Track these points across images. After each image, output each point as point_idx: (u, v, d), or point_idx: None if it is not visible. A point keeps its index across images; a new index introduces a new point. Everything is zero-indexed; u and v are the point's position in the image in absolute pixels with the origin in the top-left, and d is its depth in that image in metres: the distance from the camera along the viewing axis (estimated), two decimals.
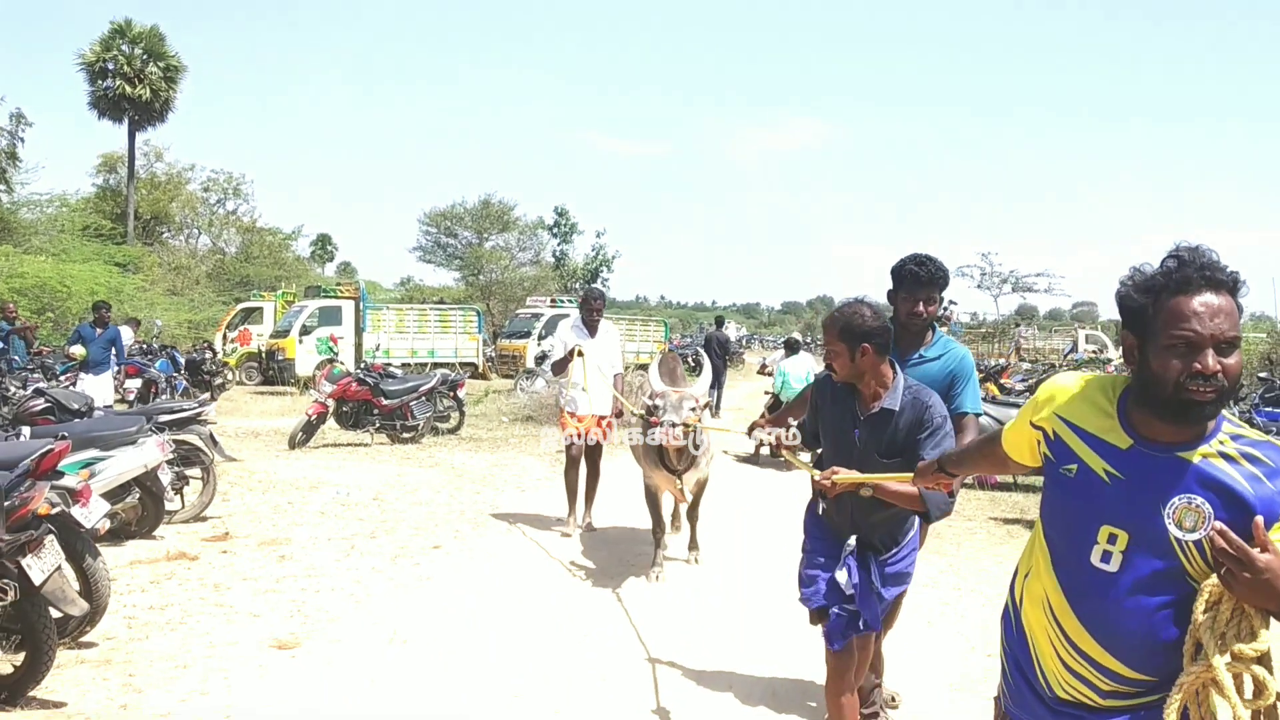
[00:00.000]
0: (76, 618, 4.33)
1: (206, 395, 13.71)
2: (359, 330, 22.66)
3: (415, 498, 9.53)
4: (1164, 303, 2.00)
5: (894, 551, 3.60)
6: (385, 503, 9.20)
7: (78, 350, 12.31)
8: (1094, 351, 33.59)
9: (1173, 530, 1.99)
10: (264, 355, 22.93)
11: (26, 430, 5.92)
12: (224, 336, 24.25)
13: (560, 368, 8.12)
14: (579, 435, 7.87)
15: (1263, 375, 12.89)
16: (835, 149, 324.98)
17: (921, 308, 4.08)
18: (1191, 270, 1.98)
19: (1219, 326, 1.96)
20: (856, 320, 3.35)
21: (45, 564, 3.92)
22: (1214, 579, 1.95)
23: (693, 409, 6.18)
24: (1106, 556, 2.07)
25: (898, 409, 3.37)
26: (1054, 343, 38.28)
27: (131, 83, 33.27)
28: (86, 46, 33.29)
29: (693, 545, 7.30)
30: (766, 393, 15.42)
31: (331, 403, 13.21)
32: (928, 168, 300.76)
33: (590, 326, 8.10)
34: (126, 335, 16.07)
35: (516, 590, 6.37)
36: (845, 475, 3.26)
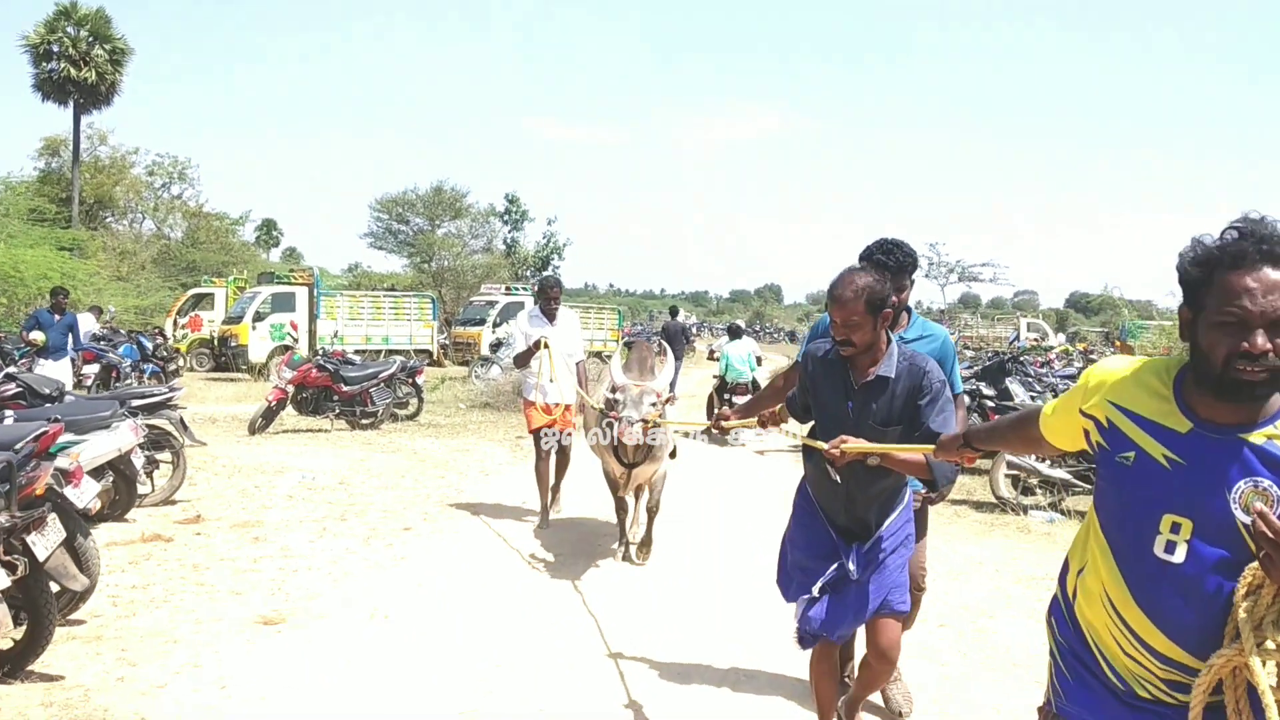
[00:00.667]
0: (72, 593, 4.47)
1: (177, 380, 13.66)
2: (313, 317, 22.61)
3: (380, 482, 9.69)
4: (1217, 277, 1.91)
5: (887, 524, 3.50)
6: (351, 487, 9.35)
7: (37, 336, 12.25)
8: (1035, 339, 34.44)
9: (1239, 515, 1.90)
10: (216, 341, 22.80)
11: (10, 414, 6.00)
12: (174, 323, 24.05)
13: (523, 360, 7.86)
14: (551, 429, 7.73)
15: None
16: (784, 140, 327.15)
17: (893, 296, 3.89)
18: (1249, 244, 1.88)
19: (1273, 304, 1.85)
20: (878, 289, 3.27)
21: (49, 541, 4.08)
22: (1255, 564, 1.89)
23: (653, 404, 6.03)
24: (1170, 547, 1.97)
25: (893, 376, 3.31)
26: (997, 331, 39.13)
27: (77, 65, 32.82)
28: (30, 28, 32.76)
29: (644, 546, 6.97)
30: (715, 376, 15.87)
31: (291, 389, 13.28)
32: (877, 158, 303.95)
33: (549, 315, 7.95)
34: (88, 322, 15.96)
35: (487, 572, 6.58)
36: (854, 444, 3.16)
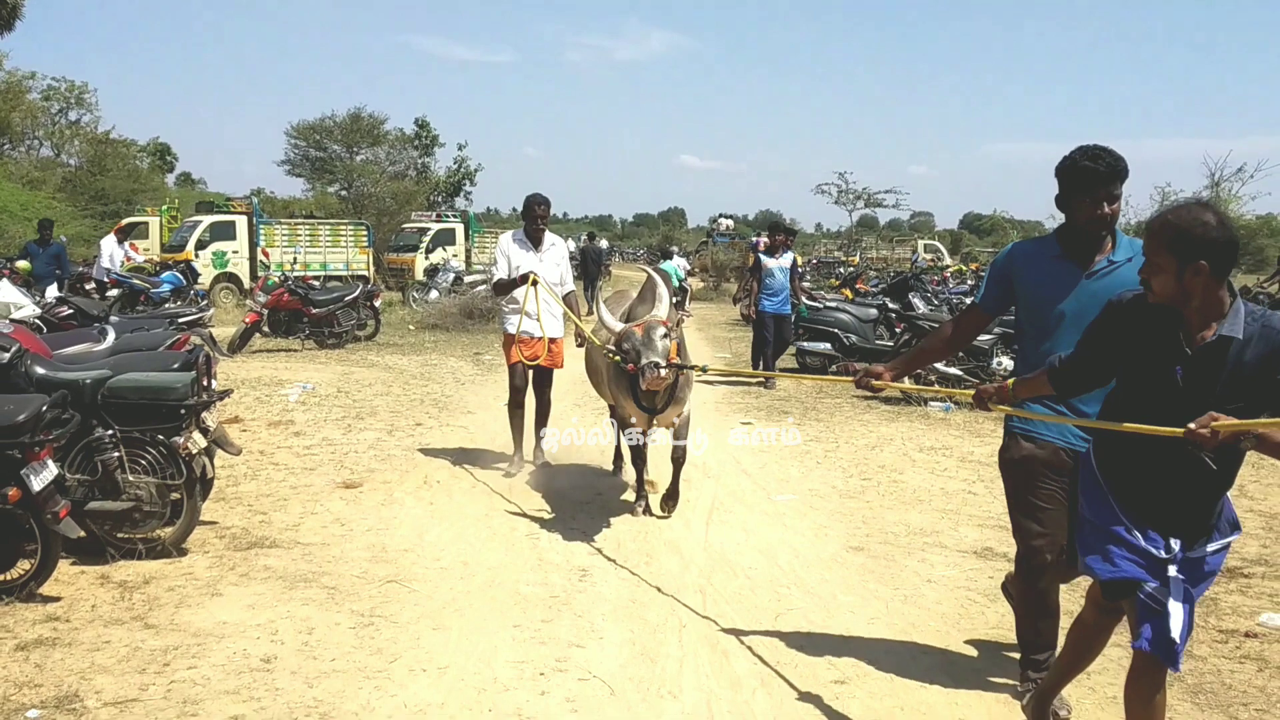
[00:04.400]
0: (233, 453, 5.83)
1: (206, 301, 14.67)
2: (253, 245, 23.35)
3: (374, 390, 11.01)
4: None
5: (1216, 520, 2.93)
6: (351, 394, 10.66)
7: (22, 264, 13.13)
8: (932, 260, 36.85)
9: None
10: (158, 270, 23.35)
11: (109, 327, 7.15)
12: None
13: (504, 289, 7.20)
14: (529, 360, 7.13)
15: None
16: (680, 60, 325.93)
17: (1105, 208, 3.46)
18: None
19: None
20: (1196, 229, 2.70)
21: (215, 417, 5.43)
22: None
23: (665, 335, 5.50)
24: None
25: (1240, 337, 2.73)
26: (898, 252, 41.48)
27: None
28: None
29: (670, 498, 6.29)
30: None
31: (265, 312, 14.38)
32: (774, 81, 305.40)
33: (535, 239, 7.19)
34: (108, 245, 16.75)
35: (504, 451, 8.03)
36: (1228, 421, 2.63)
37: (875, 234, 53.34)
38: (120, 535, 5.05)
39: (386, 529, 5.83)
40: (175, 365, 5.36)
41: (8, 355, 5.08)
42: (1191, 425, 2.64)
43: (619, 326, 5.72)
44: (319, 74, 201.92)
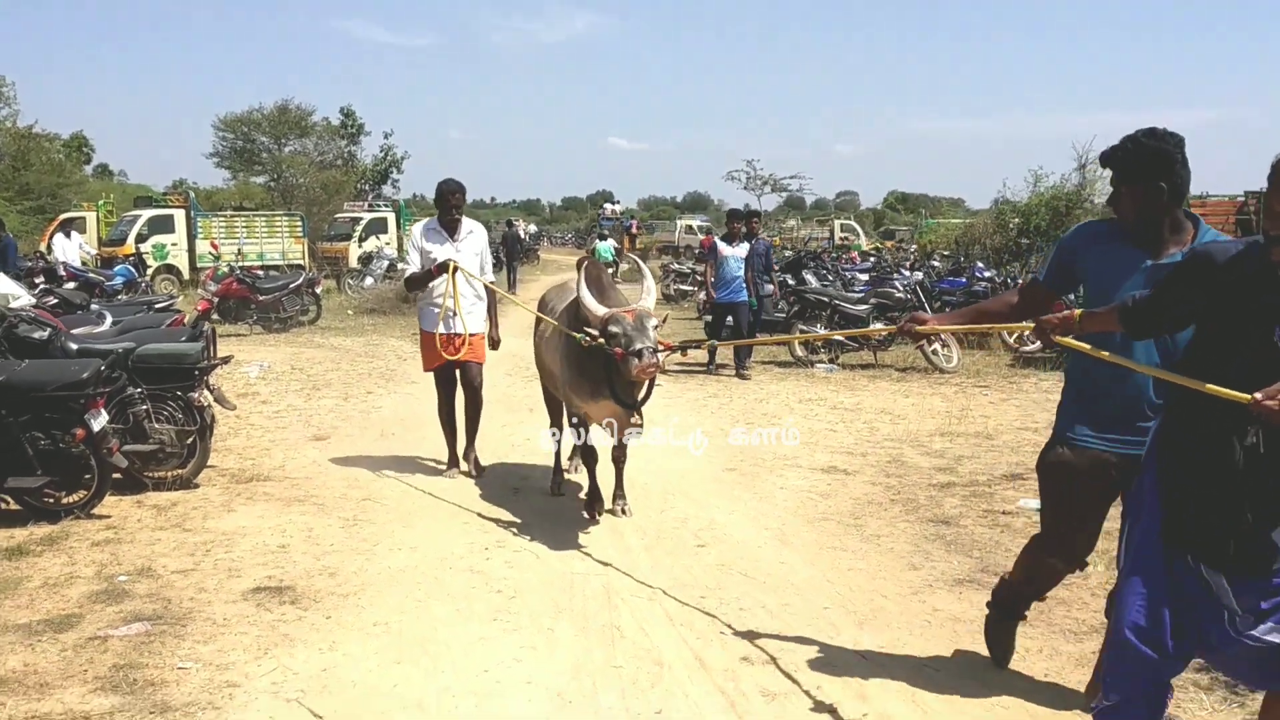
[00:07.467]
0: (229, 409, 7.17)
1: (174, 289, 15.73)
2: (190, 237, 24.27)
3: (325, 366, 12.30)
4: None
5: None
6: (305, 371, 11.94)
7: None
8: (844, 239, 38.98)
9: None
10: (99, 263, 24.15)
11: (106, 313, 8.38)
12: (48, 247, 25.12)
13: (417, 284, 6.89)
14: (454, 351, 6.90)
15: (946, 253, 17.22)
16: (605, 40, 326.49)
17: (1127, 203, 3.28)
18: None
19: None
20: None
21: (217, 378, 6.78)
22: None
23: (655, 327, 5.27)
24: None
25: None
26: (814, 232, 43.63)
27: None
28: None
29: (620, 493, 6.20)
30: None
31: (216, 300, 15.53)
32: (700, 59, 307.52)
33: (450, 228, 6.85)
34: (60, 241, 17.66)
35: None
36: None
37: (800, 215, 55.72)
38: (147, 473, 6.39)
39: (356, 466, 7.23)
40: (184, 338, 6.70)
41: (48, 333, 6.39)
42: (1258, 395, 2.38)
43: (603, 310, 5.29)
44: (237, 61, 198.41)
